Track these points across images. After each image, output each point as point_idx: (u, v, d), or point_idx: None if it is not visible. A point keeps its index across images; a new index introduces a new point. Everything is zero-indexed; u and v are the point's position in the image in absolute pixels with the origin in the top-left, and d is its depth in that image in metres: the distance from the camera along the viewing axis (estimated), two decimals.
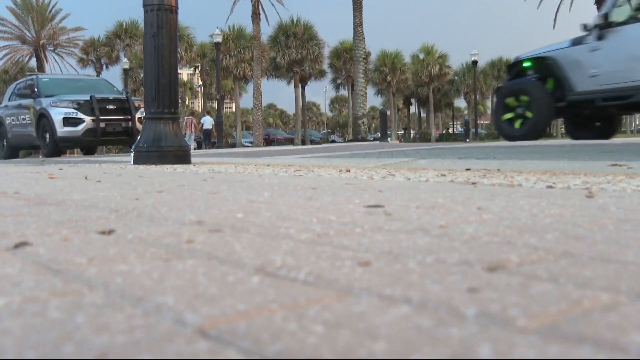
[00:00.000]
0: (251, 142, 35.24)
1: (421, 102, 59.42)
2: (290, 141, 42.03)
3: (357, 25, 25.70)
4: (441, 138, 51.06)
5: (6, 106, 13.92)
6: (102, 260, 0.89)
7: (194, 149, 22.39)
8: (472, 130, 38.76)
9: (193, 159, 5.53)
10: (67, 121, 11.56)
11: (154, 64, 5.18)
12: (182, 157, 5.22)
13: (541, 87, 8.76)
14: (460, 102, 69.78)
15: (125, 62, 39.70)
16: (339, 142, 49.21)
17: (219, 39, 28.53)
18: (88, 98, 11.71)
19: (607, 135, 9.23)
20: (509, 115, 9.14)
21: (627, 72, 7.74)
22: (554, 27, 38.46)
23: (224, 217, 1.38)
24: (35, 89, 12.54)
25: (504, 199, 1.69)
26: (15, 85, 14.36)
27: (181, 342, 0.51)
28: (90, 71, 47.50)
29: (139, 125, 11.73)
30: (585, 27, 8.32)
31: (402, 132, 62.13)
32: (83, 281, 0.75)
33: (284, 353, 0.48)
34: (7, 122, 13.59)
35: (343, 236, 1.07)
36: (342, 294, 0.66)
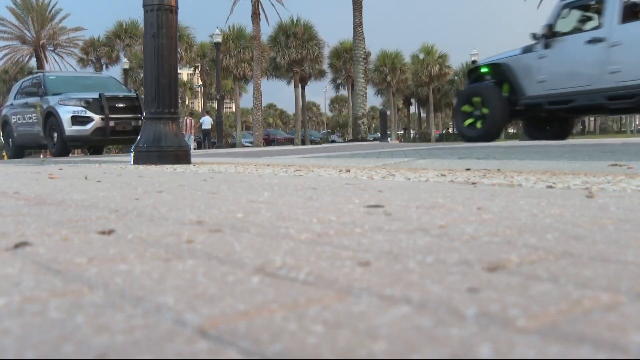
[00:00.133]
0: (251, 142, 35.23)
1: (421, 102, 59.39)
2: (290, 141, 42.04)
3: (357, 25, 25.69)
4: (441, 138, 51.03)
5: (11, 105, 13.58)
6: (102, 260, 0.89)
7: (194, 149, 22.39)
8: None
9: (193, 159, 5.53)
10: (76, 120, 11.25)
11: (154, 64, 5.18)
12: (182, 157, 5.22)
13: (496, 91, 9.42)
14: None
15: (125, 62, 39.69)
16: (339, 142, 49.22)
17: (219, 39, 28.52)
18: (97, 96, 11.41)
19: (562, 137, 9.82)
20: (466, 117, 9.83)
21: (569, 79, 8.49)
22: None
23: (224, 217, 1.38)
24: (42, 87, 12.21)
25: (504, 199, 1.69)
26: (21, 83, 13.99)
27: (181, 342, 0.51)
28: (90, 71, 47.46)
29: None
30: (534, 36, 9.01)
31: (402, 132, 62.13)
32: (83, 281, 0.75)
33: (284, 353, 0.48)
34: (13, 121, 13.27)
35: (343, 236, 1.07)
36: (342, 294, 0.66)
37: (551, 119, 9.78)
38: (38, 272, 0.81)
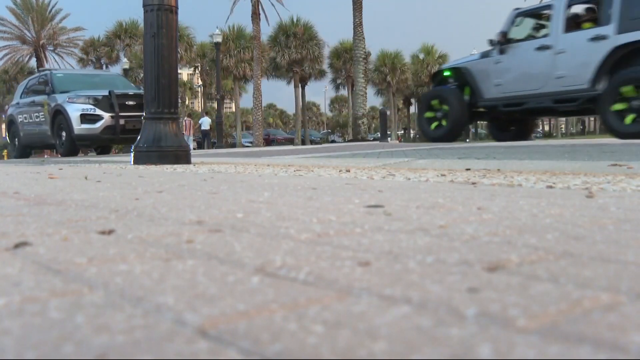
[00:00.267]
0: (251, 142, 35.23)
1: None
2: (290, 141, 42.03)
3: (357, 25, 25.68)
4: None
5: (17, 104, 13.18)
6: (102, 260, 0.89)
7: (194, 149, 22.38)
8: (472, 130, 38.73)
9: (193, 159, 5.53)
10: (85, 118, 10.89)
11: (154, 64, 5.18)
12: (182, 157, 5.22)
13: (457, 94, 10.10)
14: None
15: (125, 62, 39.68)
16: (339, 142, 49.21)
17: (219, 39, 28.52)
18: (106, 93, 11.05)
19: (523, 137, 10.48)
20: (430, 118, 10.53)
21: (521, 83, 9.19)
22: None
23: (224, 217, 1.38)
24: (50, 85, 11.84)
25: (504, 199, 1.69)
26: (27, 81, 13.59)
27: (181, 342, 0.51)
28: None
29: None
30: (491, 42, 9.75)
31: (402, 132, 62.07)
32: (83, 281, 0.75)
33: (284, 353, 0.48)
34: (19, 120, 12.89)
35: (343, 236, 1.07)
36: (342, 294, 0.66)
37: (512, 120, 10.43)
38: (38, 272, 0.81)
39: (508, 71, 9.42)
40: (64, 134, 11.30)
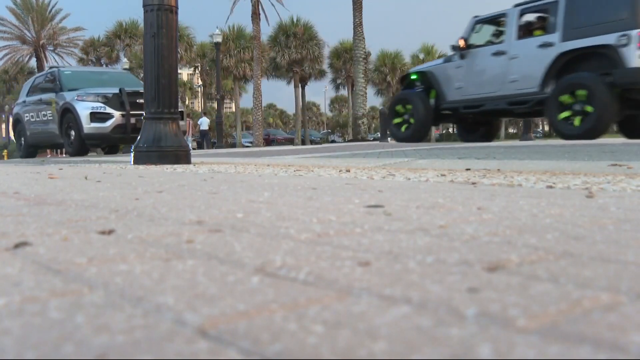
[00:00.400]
0: (251, 142, 35.22)
1: None
2: (290, 141, 42.03)
3: (357, 25, 25.68)
4: (441, 138, 51.00)
5: (24, 102, 12.72)
6: (102, 260, 0.89)
7: (193, 149, 22.36)
8: None
9: (193, 159, 5.53)
10: (95, 116, 10.47)
11: (154, 64, 5.18)
12: (182, 157, 5.23)
13: (422, 97, 10.74)
14: None
15: (125, 62, 39.67)
16: (339, 142, 49.21)
17: (219, 39, 28.51)
18: (117, 91, 10.63)
19: (489, 138, 11.12)
20: (397, 120, 11.16)
21: (479, 86, 9.88)
22: None
23: (224, 217, 1.38)
24: (58, 83, 11.42)
25: (504, 199, 1.69)
26: (34, 79, 13.11)
27: (181, 342, 0.51)
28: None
29: None
30: (452, 48, 10.42)
31: None
32: (83, 281, 0.75)
33: (284, 353, 0.48)
34: (26, 119, 12.43)
35: (343, 236, 1.07)
36: (342, 294, 0.66)
37: (478, 122, 11.04)
38: (38, 272, 0.81)
39: (468, 75, 10.08)
40: (72, 133, 10.92)
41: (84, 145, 11.00)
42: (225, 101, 53.05)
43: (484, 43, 10.12)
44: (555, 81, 8.76)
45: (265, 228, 1.19)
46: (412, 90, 11.07)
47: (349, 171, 3.34)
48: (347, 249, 0.95)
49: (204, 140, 27.29)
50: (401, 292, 0.67)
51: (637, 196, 1.71)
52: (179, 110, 11.83)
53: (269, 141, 41.29)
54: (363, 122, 25.97)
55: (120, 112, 10.58)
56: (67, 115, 10.92)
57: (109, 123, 10.58)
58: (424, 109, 10.65)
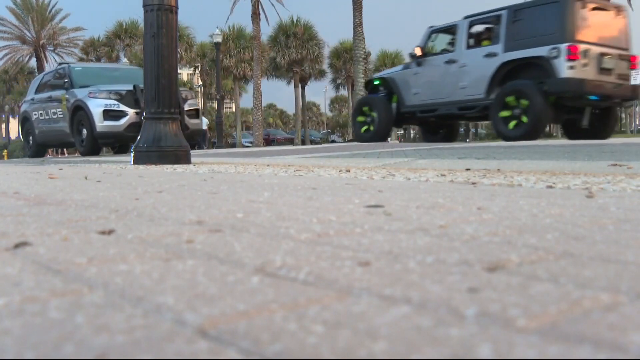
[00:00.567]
0: (251, 142, 35.20)
1: None
2: (290, 141, 42.02)
3: (357, 25, 25.67)
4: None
5: (32, 99, 12.23)
6: (102, 260, 0.89)
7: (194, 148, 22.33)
8: (472, 130, 38.71)
9: (193, 159, 5.53)
10: (108, 114, 10.01)
11: (154, 64, 5.18)
12: (182, 157, 5.23)
13: (383, 101, 11.54)
14: None
15: (125, 62, 39.68)
16: (339, 142, 49.19)
17: (219, 39, 28.49)
18: (131, 88, 10.18)
19: (450, 139, 11.93)
20: (361, 119, 11.91)
21: (433, 92, 10.65)
22: None
23: (224, 217, 1.38)
24: (68, 79, 10.96)
25: (504, 199, 1.69)
26: (42, 76, 12.68)
27: (181, 342, 0.51)
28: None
29: (188, 120, 10.23)
30: (410, 55, 11.27)
31: (402, 132, 62.06)
32: (83, 281, 0.75)
33: (284, 353, 0.48)
34: (35, 117, 11.94)
35: (343, 236, 1.07)
36: (342, 294, 0.66)
37: (440, 125, 11.86)
38: (38, 272, 0.81)
39: (423, 81, 10.87)
40: (84, 131, 10.46)
41: (96, 144, 10.56)
42: (225, 101, 53.05)
43: (438, 51, 10.89)
44: (498, 88, 9.59)
45: (265, 228, 1.19)
46: (376, 94, 11.91)
47: (349, 171, 3.34)
48: (347, 249, 0.95)
49: (204, 140, 27.29)
50: (401, 292, 0.67)
51: (637, 196, 1.71)
52: (194, 108, 11.54)
53: (269, 141, 41.28)
54: None
55: (135, 110, 10.04)
56: (79, 113, 10.47)
57: (123, 121, 10.11)
58: (385, 112, 11.43)
